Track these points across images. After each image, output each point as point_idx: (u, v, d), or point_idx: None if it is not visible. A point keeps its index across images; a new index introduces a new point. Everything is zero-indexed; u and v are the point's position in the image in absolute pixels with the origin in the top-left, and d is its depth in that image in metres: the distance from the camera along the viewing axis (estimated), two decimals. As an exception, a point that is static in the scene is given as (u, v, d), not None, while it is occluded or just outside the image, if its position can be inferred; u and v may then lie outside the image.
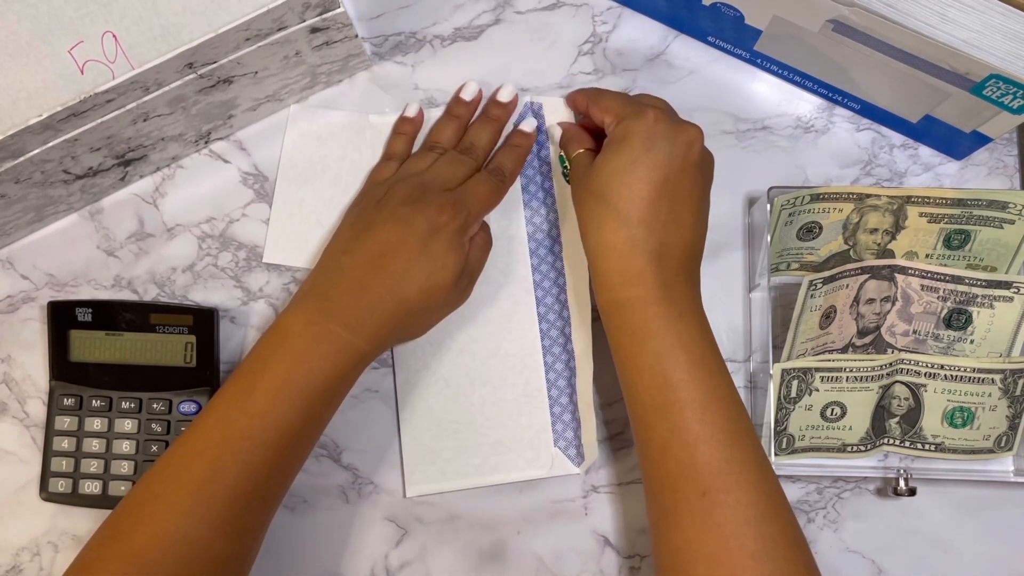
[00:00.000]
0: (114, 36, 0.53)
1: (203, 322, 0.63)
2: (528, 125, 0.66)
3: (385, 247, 0.57)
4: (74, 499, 0.63)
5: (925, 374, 0.59)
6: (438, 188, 0.60)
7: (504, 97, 0.66)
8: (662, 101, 0.60)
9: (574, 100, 0.65)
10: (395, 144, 0.66)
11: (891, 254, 0.62)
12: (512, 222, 0.66)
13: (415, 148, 0.66)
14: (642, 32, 0.68)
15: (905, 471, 0.61)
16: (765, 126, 0.67)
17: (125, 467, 0.63)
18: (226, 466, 0.53)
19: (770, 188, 0.60)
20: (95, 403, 0.63)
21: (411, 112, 0.66)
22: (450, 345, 0.65)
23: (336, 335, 0.56)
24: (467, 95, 0.66)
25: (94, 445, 0.63)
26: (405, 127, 0.66)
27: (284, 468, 0.56)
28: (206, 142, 0.67)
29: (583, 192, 0.58)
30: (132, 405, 0.63)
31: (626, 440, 0.65)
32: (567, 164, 0.62)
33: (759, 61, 0.66)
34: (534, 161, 0.66)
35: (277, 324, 0.57)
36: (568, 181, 0.63)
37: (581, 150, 0.61)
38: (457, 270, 0.58)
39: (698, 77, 0.67)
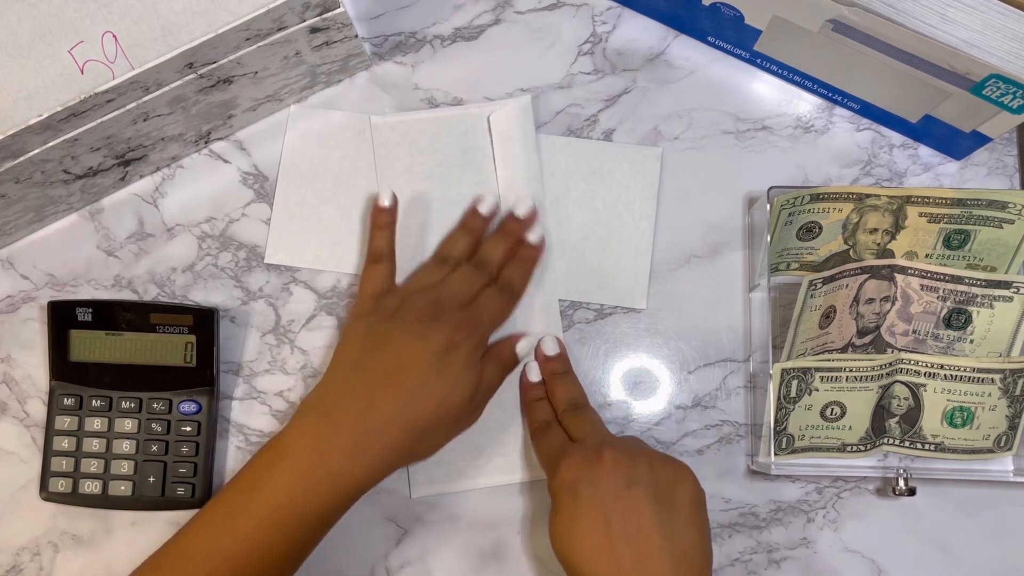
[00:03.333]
0: (114, 36, 0.53)
1: (203, 322, 0.63)
2: (535, 235, 0.63)
3: (400, 363, 0.56)
4: (74, 499, 0.63)
5: (925, 374, 0.59)
6: (454, 305, 0.58)
7: (521, 212, 0.63)
8: (592, 432, 0.58)
9: (545, 367, 0.63)
10: (379, 241, 0.62)
11: (891, 254, 0.62)
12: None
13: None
14: (642, 32, 0.68)
15: (905, 471, 0.61)
16: (765, 126, 0.67)
17: (125, 467, 0.63)
18: None
19: (770, 188, 0.60)
20: (95, 403, 0.63)
21: (386, 201, 0.62)
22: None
23: (334, 462, 0.54)
24: (484, 209, 0.64)
25: (94, 445, 0.63)
26: (384, 219, 0.62)
27: None
28: (206, 142, 0.67)
29: (552, 542, 0.55)
30: (132, 405, 0.63)
31: (626, 440, 0.65)
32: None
33: (759, 61, 0.66)
34: None
35: (278, 441, 0.56)
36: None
37: (538, 425, 0.61)
38: (472, 388, 0.58)
39: (698, 77, 0.68)
